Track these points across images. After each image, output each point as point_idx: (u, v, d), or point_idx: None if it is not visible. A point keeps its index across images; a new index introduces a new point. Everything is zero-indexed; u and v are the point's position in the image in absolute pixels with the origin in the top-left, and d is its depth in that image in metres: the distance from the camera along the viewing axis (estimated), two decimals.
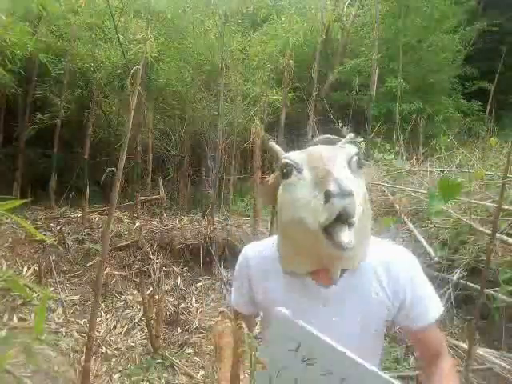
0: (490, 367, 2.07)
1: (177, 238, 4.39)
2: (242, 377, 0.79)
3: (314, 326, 0.88)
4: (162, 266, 4.03)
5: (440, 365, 0.90)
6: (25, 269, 3.56)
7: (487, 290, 2.28)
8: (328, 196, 0.68)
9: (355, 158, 0.80)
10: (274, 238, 0.97)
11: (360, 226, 0.77)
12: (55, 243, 3.71)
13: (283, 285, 0.90)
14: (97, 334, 2.90)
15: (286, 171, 0.81)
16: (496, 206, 1.92)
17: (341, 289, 0.86)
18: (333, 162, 0.76)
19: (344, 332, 0.87)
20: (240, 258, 1.00)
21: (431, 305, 0.89)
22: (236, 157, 7.02)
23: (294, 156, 0.83)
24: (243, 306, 1.00)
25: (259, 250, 0.98)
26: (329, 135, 0.95)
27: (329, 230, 0.70)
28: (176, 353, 2.97)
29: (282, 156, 0.86)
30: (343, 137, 0.94)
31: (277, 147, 0.91)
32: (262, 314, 1.03)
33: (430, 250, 2.76)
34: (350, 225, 0.71)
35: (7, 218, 3.81)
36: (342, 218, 0.69)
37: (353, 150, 0.82)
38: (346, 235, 0.69)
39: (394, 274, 0.87)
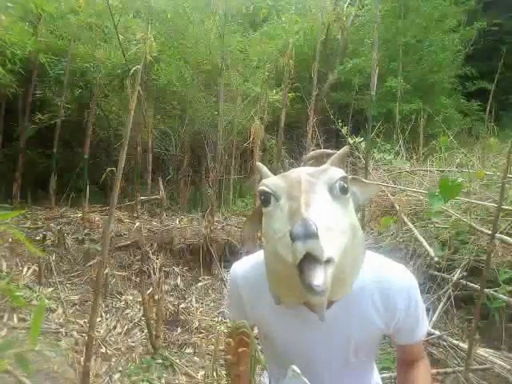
0: (489, 367, 2.07)
1: (177, 238, 4.39)
2: None
3: (306, 347, 0.88)
4: (161, 266, 4.03)
5: (414, 368, 0.93)
6: (25, 269, 3.56)
7: (487, 290, 2.28)
8: (292, 238, 0.62)
9: (338, 183, 0.73)
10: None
11: (349, 257, 0.73)
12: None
13: (272, 305, 0.86)
14: (97, 333, 2.90)
15: (264, 199, 0.75)
16: (496, 205, 1.92)
17: (334, 313, 0.83)
18: (311, 191, 0.70)
19: (338, 353, 0.88)
20: (230, 275, 0.97)
21: (419, 328, 0.91)
22: (236, 157, 7.02)
23: (273, 183, 0.76)
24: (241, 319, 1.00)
25: (247, 269, 0.94)
26: (324, 150, 0.93)
27: (301, 267, 0.63)
28: (176, 353, 2.97)
29: (261, 182, 0.80)
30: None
31: (264, 170, 0.85)
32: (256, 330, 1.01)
33: (430, 250, 2.76)
34: (328, 262, 0.64)
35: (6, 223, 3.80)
36: (310, 261, 0.62)
37: (337, 173, 0.75)
38: (318, 276, 0.62)
39: (392, 303, 0.85)
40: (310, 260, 0.62)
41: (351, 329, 0.85)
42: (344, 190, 0.74)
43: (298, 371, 0.77)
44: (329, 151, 0.90)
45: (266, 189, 0.76)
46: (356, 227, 0.77)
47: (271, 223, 0.73)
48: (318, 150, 0.93)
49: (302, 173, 0.76)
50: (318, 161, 0.86)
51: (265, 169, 0.86)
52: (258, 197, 0.79)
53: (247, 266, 0.95)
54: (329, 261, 0.64)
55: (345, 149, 0.89)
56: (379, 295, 0.85)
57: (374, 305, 0.85)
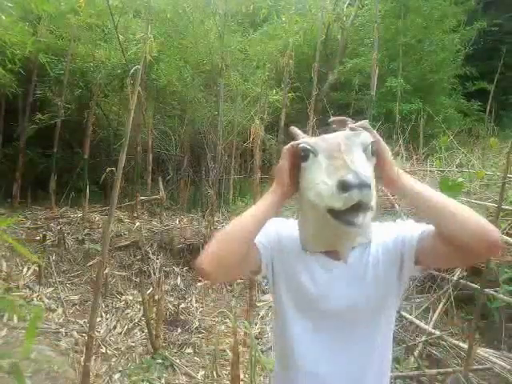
0: (489, 367, 2.07)
1: (177, 238, 4.39)
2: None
3: (326, 294, 0.91)
4: (161, 266, 4.03)
5: None
6: (25, 269, 3.56)
7: (487, 290, 2.28)
8: (346, 186, 0.71)
9: (370, 148, 0.83)
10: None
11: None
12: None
13: (297, 255, 0.95)
14: (97, 333, 2.90)
15: (304, 155, 0.86)
16: (496, 205, 1.92)
17: (349, 264, 0.91)
18: (350, 152, 0.79)
19: (356, 301, 0.90)
20: (276, 221, 1.01)
21: (414, 225, 0.92)
22: (236, 157, 7.02)
23: (312, 141, 0.87)
24: (262, 242, 0.96)
25: (284, 223, 1.03)
26: (345, 118, 0.96)
27: (339, 212, 0.74)
28: (176, 353, 2.97)
29: (301, 140, 0.90)
30: None
31: (297, 130, 0.96)
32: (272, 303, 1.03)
33: None
34: (366, 210, 0.75)
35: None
36: (356, 207, 0.73)
37: (368, 137, 0.85)
38: (358, 217, 0.73)
39: (387, 244, 0.91)
40: (349, 210, 0.73)
41: (364, 279, 0.89)
42: (374, 153, 0.85)
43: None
44: (350, 120, 0.95)
45: (307, 146, 0.86)
46: (375, 186, 0.84)
47: (307, 175, 0.85)
48: (339, 117, 0.97)
49: (339, 135, 0.86)
50: (340, 127, 0.93)
51: (298, 130, 0.96)
52: (299, 153, 0.88)
53: (284, 221, 1.04)
54: (366, 209, 0.75)
55: (365, 121, 0.94)
56: (380, 247, 0.92)
57: (379, 257, 0.91)
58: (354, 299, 0.90)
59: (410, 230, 0.90)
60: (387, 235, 0.93)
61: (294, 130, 0.97)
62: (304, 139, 0.90)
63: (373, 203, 0.76)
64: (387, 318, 0.95)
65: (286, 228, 1.01)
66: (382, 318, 0.93)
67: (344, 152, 0.78)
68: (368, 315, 0.91)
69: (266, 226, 0.95)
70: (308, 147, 0.85)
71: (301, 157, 0.87)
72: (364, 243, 0.92)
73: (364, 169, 0.76)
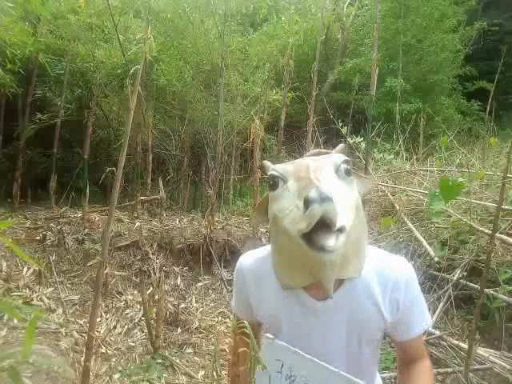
0: (489, 367, 2.07)
1: (177, 238, 4.39)
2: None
3: (307, 337, 0.88)
4: (162, 266, 4.03)
5: (416, 366, 0.92)
6: (25, 269, 3.56)
7: (487, 290, 2.28)
8: (307, 202, 0.66)
9: (343, 166, 0.80)
10: (270, 247, 0.96)
11: (353, 235, 0.76)
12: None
13: (277, 295, 0.90)
14: (97, 333, 2.90)
15: (273, 183, 0.82)
16: (496, 205, 1.93)
17: (334, 302, 0.85)
18: (319, 171, 0.76)
19: (339, 344, 0.87)
20: (236, 266, 1.00)
21: (419, 319, 0.90)
22: (236, 157, 7.03)
23: (280, 167, 0.83)
24: (244, 313, 0.99)
25: (253, 260, 0.98)
26: (319, 149, 0.95)
27: (311, 236, 0.68)
28: (176, 353, 2.97)
29: (269, 169, 0.86)
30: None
31: (268, 164, 0.91)
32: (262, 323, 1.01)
33: (430, 249, 2.76)
34: (340, 230, 0.69)
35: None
36: (325, 225, 0.67)
37: (340, 158, 0.82)
38: (330, 239, 0.68)
39: (391, 295, 0.86)
40: (321, 228, 0.67)
41: (350, 320, 0.86)
42: (348, 172, 0.81)
43: (271, 336, 0.83)
44: (325, 150, 0.93)
45: (275, 173, 0.82)
46: (359, 208, 0.81)
47: (278, 203, 0.79)
48: (316, 150, 0.95)
49: (308, 159, 0.82)
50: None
51: (269, 163, 0.91)
52: (267, 183, 0.84)
53: (253, 257, 0.99)
54: (341, 229, 0.69)
55: (341, 146, 0.93)
56: (379, 288, 0.86)
57: (375, 297, 0.85)
58: (331, 347, 0.87)
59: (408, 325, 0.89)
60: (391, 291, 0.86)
61: (266, 163, 0.92)
62: (272, 166, 0.85)
63: (344, 224, 0.70)
64: (374, 341, 0.93)
65: (254, 273, 0.95)
66: (370, 353, 0.92)
67: (312, 171, 0.75)
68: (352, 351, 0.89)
69: (238, 291, 1.00)
70: (276, 174, 0.81)
71: (270, 186, 0.82)
72: (353, 278, 0.84)
73: (330, 186, 0.72)
